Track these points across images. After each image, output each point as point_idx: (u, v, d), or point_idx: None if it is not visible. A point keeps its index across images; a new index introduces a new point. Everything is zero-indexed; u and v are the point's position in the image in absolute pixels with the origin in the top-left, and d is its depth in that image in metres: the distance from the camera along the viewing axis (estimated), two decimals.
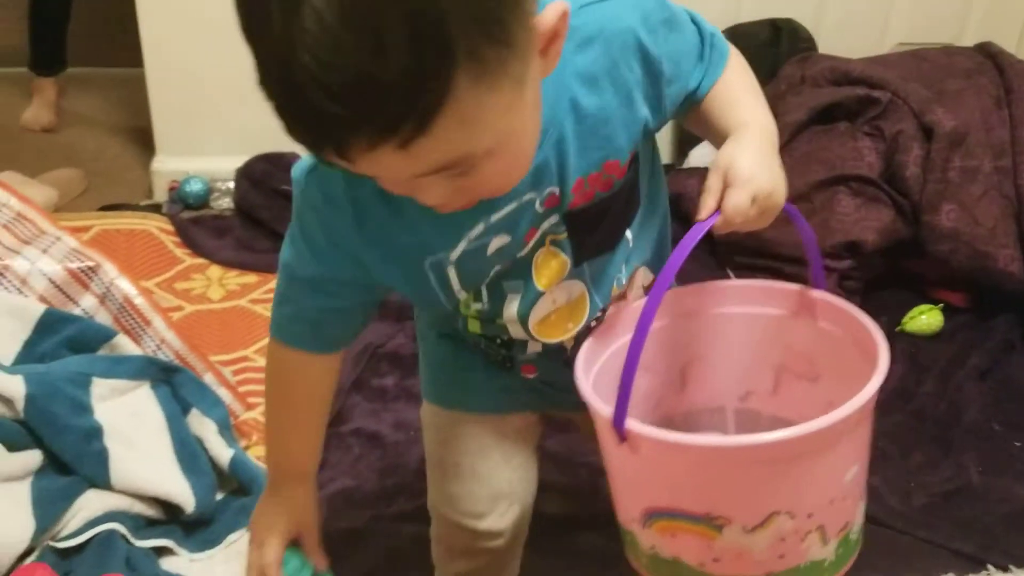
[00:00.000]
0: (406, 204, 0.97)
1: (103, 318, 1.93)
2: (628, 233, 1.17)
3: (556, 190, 1.06)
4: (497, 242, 1.08)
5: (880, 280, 2.48)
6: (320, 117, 0.76)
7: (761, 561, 1.04)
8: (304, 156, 1.04)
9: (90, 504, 1.68)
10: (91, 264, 1.94)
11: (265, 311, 2.39)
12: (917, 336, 2.35)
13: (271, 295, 2.50)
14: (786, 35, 2.92)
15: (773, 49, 2.89)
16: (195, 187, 2.84)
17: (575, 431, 1.54)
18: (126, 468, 1.71)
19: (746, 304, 1.22)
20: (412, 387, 2.14)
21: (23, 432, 1.68)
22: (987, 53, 2.63)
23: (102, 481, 1.70)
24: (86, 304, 1.92)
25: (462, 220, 1.04)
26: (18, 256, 1.92)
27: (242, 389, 2.08)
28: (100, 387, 1.78)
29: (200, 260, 2.61)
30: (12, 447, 1.67)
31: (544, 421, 1.41)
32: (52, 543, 1.64)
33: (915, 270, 2.50)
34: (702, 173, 0.99)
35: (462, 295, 1.15)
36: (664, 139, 2.82)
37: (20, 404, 1.67)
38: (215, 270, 2.57)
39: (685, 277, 2.52)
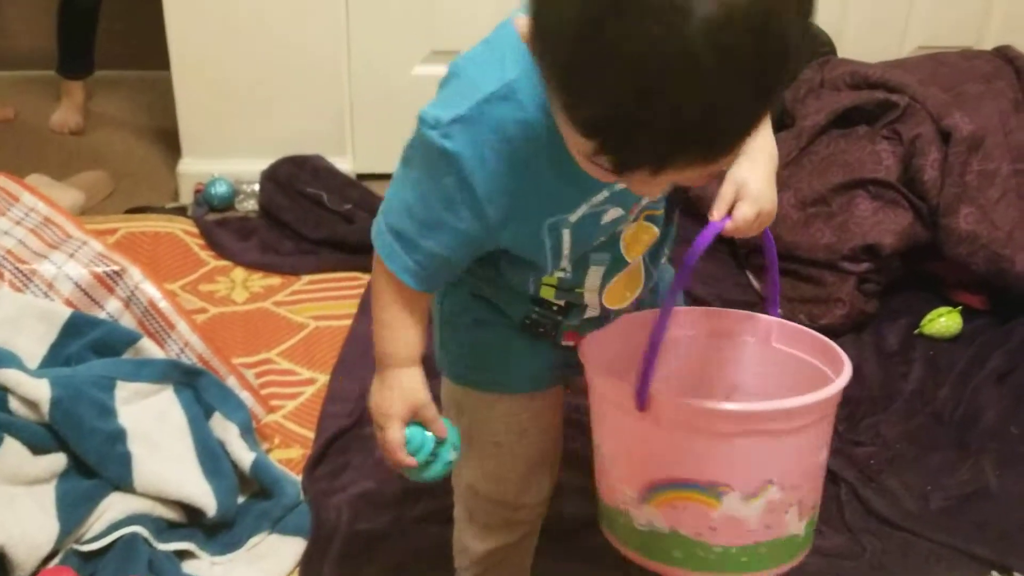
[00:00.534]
0: (565, 159, 1.02)
1: (128, 321, 1.95)
2: None
3: None
4: (612, 213, 1.16)
5: (899, 283, 2.48)
6: (692, 137, 0.86)
7: (752, 530, 1.17)
8: (437, 108, 1.08)
9: (113, 507, 1.71)
10: (116, 268, 1.96)
11: (289, 313, 2.42)
12: (936, 339, 2.35)
13: (295, 297, 2.53)
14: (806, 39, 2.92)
15: None
16: (220, 189, 2.87)
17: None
18: (149, 471, 1.73)
19: (781, 343, 1.33)
20: (433, 389, 2.14)
21: (48, 435, 1.71)
22: (1006, 57, 2.63)
23: (125, 484, 1.72)
24: (111, 308, 1.95)
25: (591, 185, 1.09)
26: (45, 260, 1.95)
27: (265, 392, 2.10)
28: (124, 390, 1.80)
29: (224, 262, 2.63)
30: (37, 450, 1.69)
31: (566, 389, 1.45)
32: (76, 546, 1.67)
33: (934, 273, 2.50)
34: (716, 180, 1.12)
35: (566, 263, 1.21)
36: None
37: (45, 407, 1.69)
38: (239, 272, 2.59)
39: (704, 276, 2.52)
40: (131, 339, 1.90)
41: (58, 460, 1.71)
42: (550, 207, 1.14)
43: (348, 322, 2.38)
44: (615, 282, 1.27)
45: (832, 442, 1.24)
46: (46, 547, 1.63)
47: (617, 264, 1.25)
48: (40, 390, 1.70)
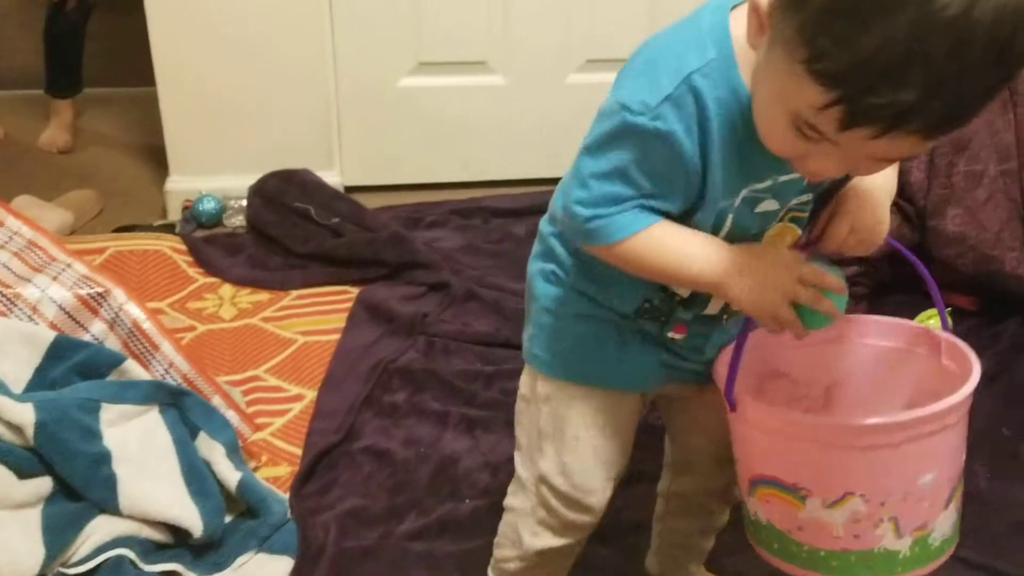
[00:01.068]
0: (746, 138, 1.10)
1: (112, 343, 1.95)
2: None
3: None
4: (766, 204, 1.19)
5: (888, 285, 2.47)
6: (934, 105, 0.92)
7: (838, 537, 1.21)
8: (640, 93, 1.11)
9: (99, 529, 1.71)
10: (100, 290, 1.96)
11: (277, 329, 2.42)
12: None
13: (283, 312, 2.53)
14: None
15: None
16: (208, 206, 2.87)
17: None
18: (134, 493, 1.73)
19: (883, 338, 1.38)
20: (422, 403, 2.16)
21: (33, 459, 1.71)
22: None
23: (111, 506, 1.72)
24: (96, 330, 1.95)
25: (759, 170, 1.15)
26: (29, 284, 1.95)
27: (252, 409, 2.10)
28: (109, 412, 1.80)
29: (212, 279, 2.63)
30: (22, 474, 1.69)
31: (648, 405, 1.46)
32: (62, 569, 1.66)
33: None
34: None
35: None
36: None
37: (30, 431, 1.69)
38: (227, 289, 2.59)
39: None
40: (115, 361, 1.90)
41: (44, 484, 1.71)
42: (740, 180, 1.16)
43: (337, 336, 2.38)
44: None
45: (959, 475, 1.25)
46: (32, 572, 1.63)
47: None
48: (24, 415, 1.70)
